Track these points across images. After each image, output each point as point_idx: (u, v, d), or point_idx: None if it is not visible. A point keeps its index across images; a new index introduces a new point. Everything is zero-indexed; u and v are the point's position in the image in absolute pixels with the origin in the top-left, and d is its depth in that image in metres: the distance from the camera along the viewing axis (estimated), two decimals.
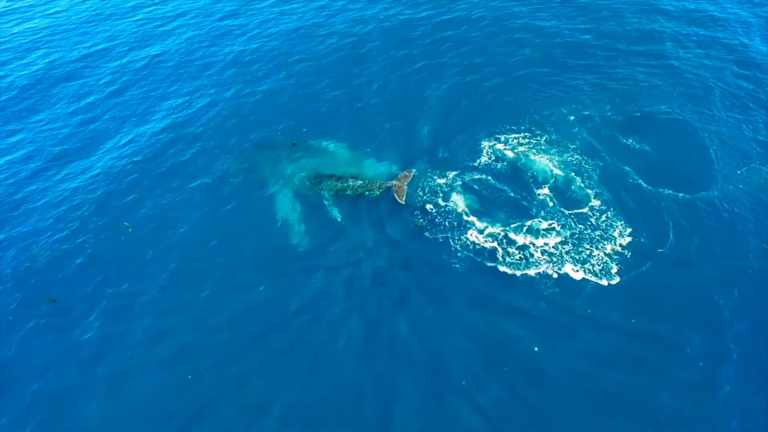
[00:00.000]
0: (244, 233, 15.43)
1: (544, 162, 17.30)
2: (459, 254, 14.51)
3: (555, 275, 13.83)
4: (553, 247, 14.49)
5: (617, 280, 13.74)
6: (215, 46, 24.84)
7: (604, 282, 13.67)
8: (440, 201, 16.12)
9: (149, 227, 15.65)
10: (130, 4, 29.35)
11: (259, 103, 20.85)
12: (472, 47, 23.91)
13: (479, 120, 19.49)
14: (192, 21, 27.20)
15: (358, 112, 20.15)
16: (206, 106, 20.74)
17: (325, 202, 16.09)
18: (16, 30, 27.26)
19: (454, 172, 17.12)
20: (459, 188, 16.53)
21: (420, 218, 15.49)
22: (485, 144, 18.30)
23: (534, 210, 15.66)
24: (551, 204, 15.83)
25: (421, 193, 16.38)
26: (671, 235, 14.80)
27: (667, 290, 13.53)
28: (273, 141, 18.79)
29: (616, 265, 14.09)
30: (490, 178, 16.88)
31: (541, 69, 22.23)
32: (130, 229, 15.48)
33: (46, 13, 28.88)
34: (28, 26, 27.68)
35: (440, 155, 17.85)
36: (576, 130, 18.87)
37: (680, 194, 15.99)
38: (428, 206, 15.90)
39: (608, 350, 12.36)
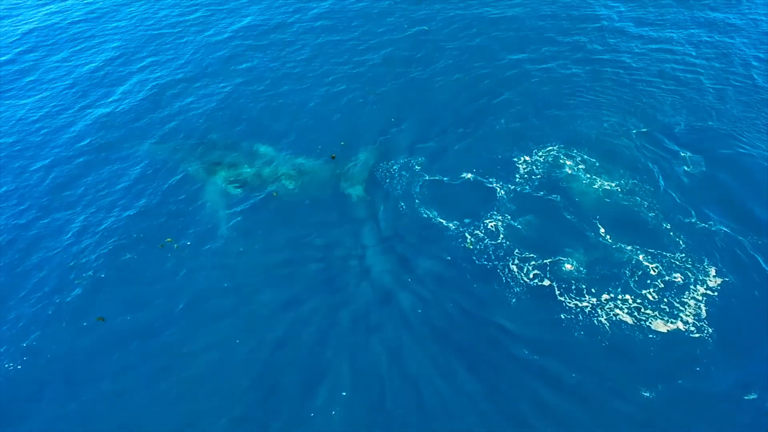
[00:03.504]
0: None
1: (595, 187, 16.74)
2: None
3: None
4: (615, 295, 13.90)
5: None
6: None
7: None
8: (482, 226, 15.72)
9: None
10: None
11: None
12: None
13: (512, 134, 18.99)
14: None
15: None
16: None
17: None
18: None
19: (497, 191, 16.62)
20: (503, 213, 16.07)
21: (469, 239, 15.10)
22: (521, 161, 17.81)
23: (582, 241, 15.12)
24: (609, 238, 15.08)
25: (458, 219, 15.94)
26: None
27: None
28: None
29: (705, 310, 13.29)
30: (533, 201, 16.36)
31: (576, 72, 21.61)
32: (175, 245, 15.39)
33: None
34: None
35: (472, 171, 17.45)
36: (624, 146, 18.25)
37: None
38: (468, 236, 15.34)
39: None
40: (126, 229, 15.81)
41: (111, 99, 21.12)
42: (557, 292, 13.59)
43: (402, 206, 16.26)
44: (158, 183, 17.36)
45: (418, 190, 16.77)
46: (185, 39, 24.95)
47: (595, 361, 12.28)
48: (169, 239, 15.48)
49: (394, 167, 17.69)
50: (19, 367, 12.66)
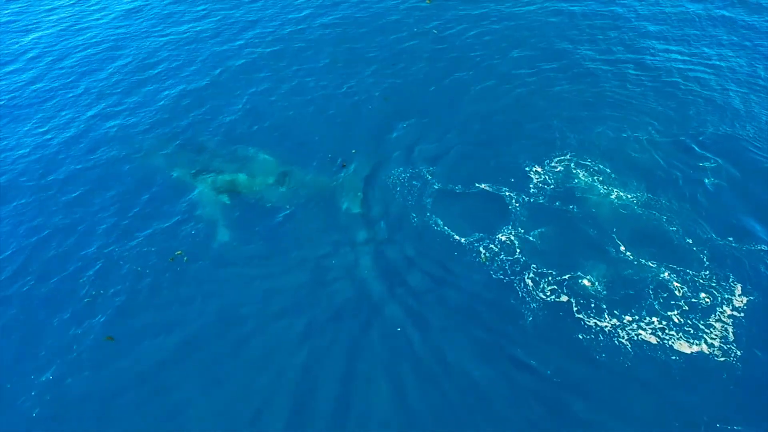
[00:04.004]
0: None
1: (611, 198, 16.18)
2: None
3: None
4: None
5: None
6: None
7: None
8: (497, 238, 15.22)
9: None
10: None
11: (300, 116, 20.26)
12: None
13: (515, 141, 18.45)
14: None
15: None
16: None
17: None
18: None
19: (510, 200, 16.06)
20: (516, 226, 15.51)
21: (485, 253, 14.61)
22: (533, 170, 17.27)
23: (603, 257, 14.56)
24: (629, 255, 14.45)
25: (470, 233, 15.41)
26: None
27: None
28: (321, 161, 18.10)
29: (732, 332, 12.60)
30: (548, 213, 15.80)
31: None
32: (185, 258, 15.02)
33: None
34: None
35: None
36: (642, 154, 17.68)
37: None
38: (483, 250, 14.83)
39: None
40: (139, 248, 15.38)
41: (120, 108, 20.74)
42: (575, 309, 13.07)
43: (413, 217, 15.78)
44: (174, 198, 16.92)
45: (429, 200, 16.28)
46: (196, 46, 24.48)
47: (617, 385, 11.77)
48: (179, 252, 15.11)
49: (403, 176, 17.21)
50: (42, 409, 11.94)
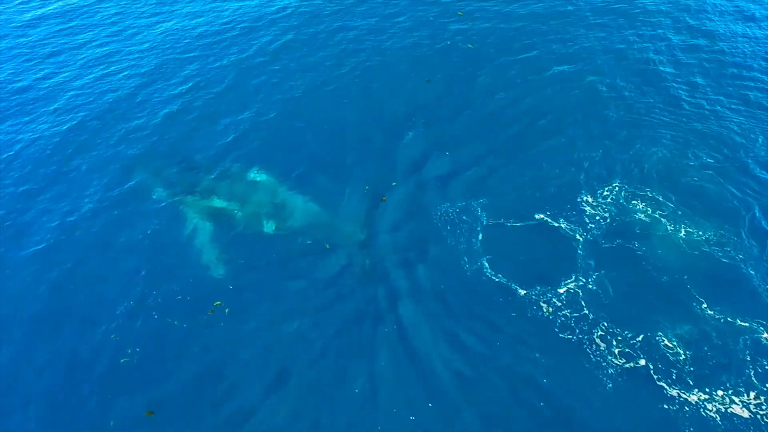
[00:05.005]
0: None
1: (680, 236, 14.72)
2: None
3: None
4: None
5: None
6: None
7: None
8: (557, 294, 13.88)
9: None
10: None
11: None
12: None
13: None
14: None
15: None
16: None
17: None
18: None
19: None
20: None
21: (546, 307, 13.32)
22: (585, 200, 15.81)
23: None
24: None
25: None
26: None
27: None
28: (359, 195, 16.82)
29: None
30: (610, 255, 14.36)
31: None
32: (227, 310, 13.90)
33: None
34: None
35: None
36: (708, 182, 16.16)
37: None
38: (544, 304, 13.49)
39: None
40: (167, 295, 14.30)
41: (139, 134, 19.55)
42: (655, 377, 11.78)
43: (465, 263, 14.46)
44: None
45: (479, 239, 14.98)
46: (219, 62, 23.04)
47: None
48: (218, 302, 13.98)
49: (443, 208, 15.87)
50: None
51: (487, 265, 14.29)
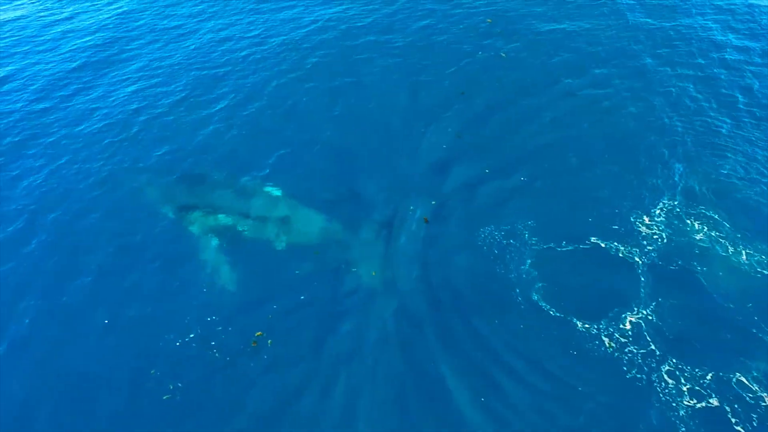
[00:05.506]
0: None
1: (742, 260, 13.89)
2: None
3: None
4: None
5: None
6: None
7: None
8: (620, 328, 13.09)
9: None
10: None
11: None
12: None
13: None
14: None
15: None
16: None
17: None
18: None
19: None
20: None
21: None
22: (639, 221, 15.02)
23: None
24: None
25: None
26: None
27: None
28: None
29: None
30: (670, 280, 13.60)
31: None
32: (269, 341, 13.22)
33: None
34: None
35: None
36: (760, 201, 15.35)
37: None
38: (606, 340, 12.71)
39: None
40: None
41: (157, 152, 18.78)
42: (733, 420, 11.02)
43: (517, 295, 13.66)
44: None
45: (531, 266, 14.22)
46: (245, 80, 22.20)
47: None
48: (259, 333, 13.30)
49: (496, 234, 15.13)
50: None
51: (540, 293, 13.57)
